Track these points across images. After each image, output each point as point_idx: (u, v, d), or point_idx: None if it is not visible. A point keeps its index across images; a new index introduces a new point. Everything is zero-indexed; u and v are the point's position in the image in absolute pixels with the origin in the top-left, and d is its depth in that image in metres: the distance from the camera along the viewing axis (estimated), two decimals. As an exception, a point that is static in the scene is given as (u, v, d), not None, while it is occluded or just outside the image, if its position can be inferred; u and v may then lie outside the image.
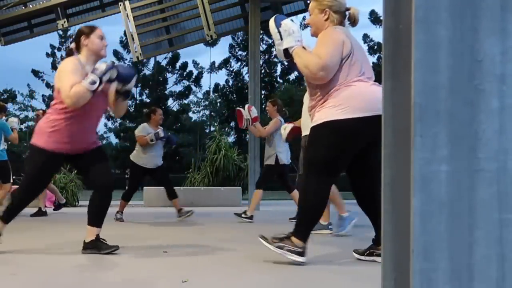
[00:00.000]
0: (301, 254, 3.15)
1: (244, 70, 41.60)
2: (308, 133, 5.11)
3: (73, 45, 3.80)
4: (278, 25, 3.24)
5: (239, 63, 42.96)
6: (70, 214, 8.69)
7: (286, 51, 3.24)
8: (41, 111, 8.85)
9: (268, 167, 6.75)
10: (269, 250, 3.86)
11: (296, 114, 9.59)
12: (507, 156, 1.26)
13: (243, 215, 6.74)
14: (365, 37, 38.74)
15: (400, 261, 1.27)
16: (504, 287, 1.25)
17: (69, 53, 3.81)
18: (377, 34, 38.58)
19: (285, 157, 6.72)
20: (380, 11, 33.02)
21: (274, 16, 3.32)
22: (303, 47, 3.29)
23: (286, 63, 3.50)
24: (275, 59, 41.92)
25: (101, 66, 3.54)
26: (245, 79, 40.83)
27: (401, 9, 1.28)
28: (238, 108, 7.00)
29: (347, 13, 3.38)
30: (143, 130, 6.98)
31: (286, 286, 2.74)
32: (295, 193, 6.69)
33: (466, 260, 1.24)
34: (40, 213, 8.15)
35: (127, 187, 7.33)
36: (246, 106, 6.93)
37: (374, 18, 37.92)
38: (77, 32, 3.78)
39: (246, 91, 16.43)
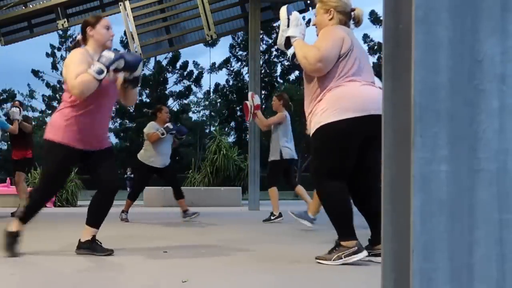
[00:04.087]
0: (359, 251, 3.16)
1: (244, 70, 41.62)
2: None
3: (79, 37, 3.71)
4: (289, 13, 3.31)
5: (239, 63, 42.97)
6: (69, 214, 8.69)
7: (287, 40, 3.30)
8: (17, 103, 8.79)
9: (273, 163, 6.71)
10: (269, 250, 3.86)
11: (295, 114, 9.52)
12: (507, 156, 1.26)
13: (272, 218, 6.72)
14: (365, 37, 38.71)
15: (400, 261, 1.27)
16: (504, 287, 1.25)
17: (76, 45, 3.73)
18: (377, 34, 38.59)
19: (290, 152, 6.68)
20: (380, 11, 33.02)
21: (286, 5, 3.39)
22: None
23: (288, 61, 3.63)
24: (275, 59, 41.91)
25: (109, 54, 3.43)
26: (245, 79, 40.83)
27: (401, 9, 1.28)
28: (245, 102, 6.99)
29: (352, 13, 3.41)
30: (153, 127, 6.99)
31: (287, 286, 2.74)
32: (299, 188, 6.71)
33: (466, 260, 1.24)
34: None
35: (133, 187, 7.32)
36: (250, 93, 6.94)
37: (374, 18, 37.91)
38: (83, 23, 3.69)
39: (246, 91, 16.42)
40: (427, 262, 1.22)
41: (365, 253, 3.16)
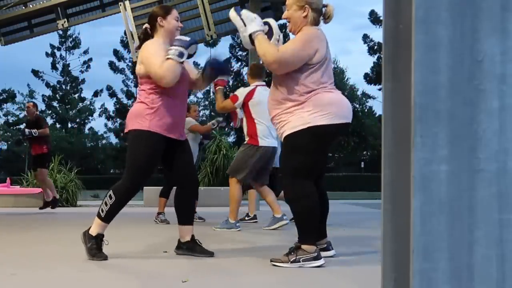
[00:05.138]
0: (317, 257, 3.15)
1: (244, 70, 41.60)
2: None
3: (147, 26, 3.65)
4: (238, 14, 3.24)
5: (239, 63, 42.97)
6: (69, 214, 8.69)
7: (251, 38, 3.24)
8: (31, 103, 8.81)
9: None
10: (269, 250, 3.86)
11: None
12: (507, 157, 1.26)
13: (246, 218, 6.80)
14: (365, 37, 38.70)
15: (400, 261, 1.27)
16: (504, 287, 1.25)
17: (145, 34, 3.66)
18: (377, 34, 38.52)
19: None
20: (380, 11, 32.98)
21: (233, 8, 3.35)
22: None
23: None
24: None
25: (185, 37, 3.43)
26: (245, 79, 40.81)
27: (401, 9, 1.28)
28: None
29: (323, 9, 3.36)
30: (192, 121, 6.97)
31: (286, 286, 2.74)
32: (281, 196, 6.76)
33: (466, 260, 1.24)
34: (50, 203, 8.36)
35: (165, 184, 7.10)
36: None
37: (374, 18, 37.86)
38: (152, 13, 3.66)
39: (246, 91, 16.37)
40: (427, 262, 1.22)
41: (322, 261, 3.15)
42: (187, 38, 3.47)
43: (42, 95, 43.83)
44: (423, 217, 1.23)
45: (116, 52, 42.77)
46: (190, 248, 3.64)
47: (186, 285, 2.61)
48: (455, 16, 1.25)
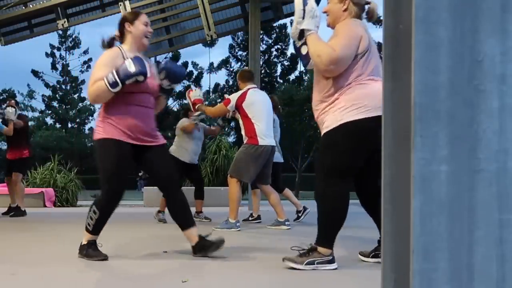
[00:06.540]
0: (332, 261, 3.11)
1: (244, 70, 41.60)
2: None
3: (117, 33, 3.61)
4: (304, 3, 3.12)
5: (239, 63, 42.98)
6: (69, 214, 8.69)
7: (301, 33, 3.14)
8: (13, 102, 8.53)
9: None
10: (269, 250, 3.86)
11: (295, 114, 9.54)
12: (507, 157, 1.26)
13: (250, 218, 6.91)
14: (365, 37, 38.72)
15: (400, 261, 1.27)
16: (504, 287, 1.25)
17: (111, 42, 3.63)
18: (377, 34, 38.50)
19: (277, 155, 6.69)
20: (380, 11, 32.93)
21: None
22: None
23: (293, 47, 3.38)
24: (275, 59, 41.90)
25: (130, 65, 3.33)
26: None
27: (401, 9, 1.28)
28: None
29: (366, 6, 3.29)
30: (186, 121, 7.01)
31: (286, 286, 2.74)
32: (286, 191, 6.82)
33: (466, 260, 1.24)
34: (19, 212, 7.75)
35: None
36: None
37: (374, 18, 37.89)
38: (121, 19, 3.61)
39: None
40: (427, 262, 1.22)
41: (335, 265, 3.11)
42: (131, 69, 3.32)
43: (42, 95, 43.84)
44: (423, 217, 1.23)
45: (116, 53, 42.71)
46: (202, 247, 3.56)
47: (186, 285, 2.61)
48: (455, 16, 1.25)
